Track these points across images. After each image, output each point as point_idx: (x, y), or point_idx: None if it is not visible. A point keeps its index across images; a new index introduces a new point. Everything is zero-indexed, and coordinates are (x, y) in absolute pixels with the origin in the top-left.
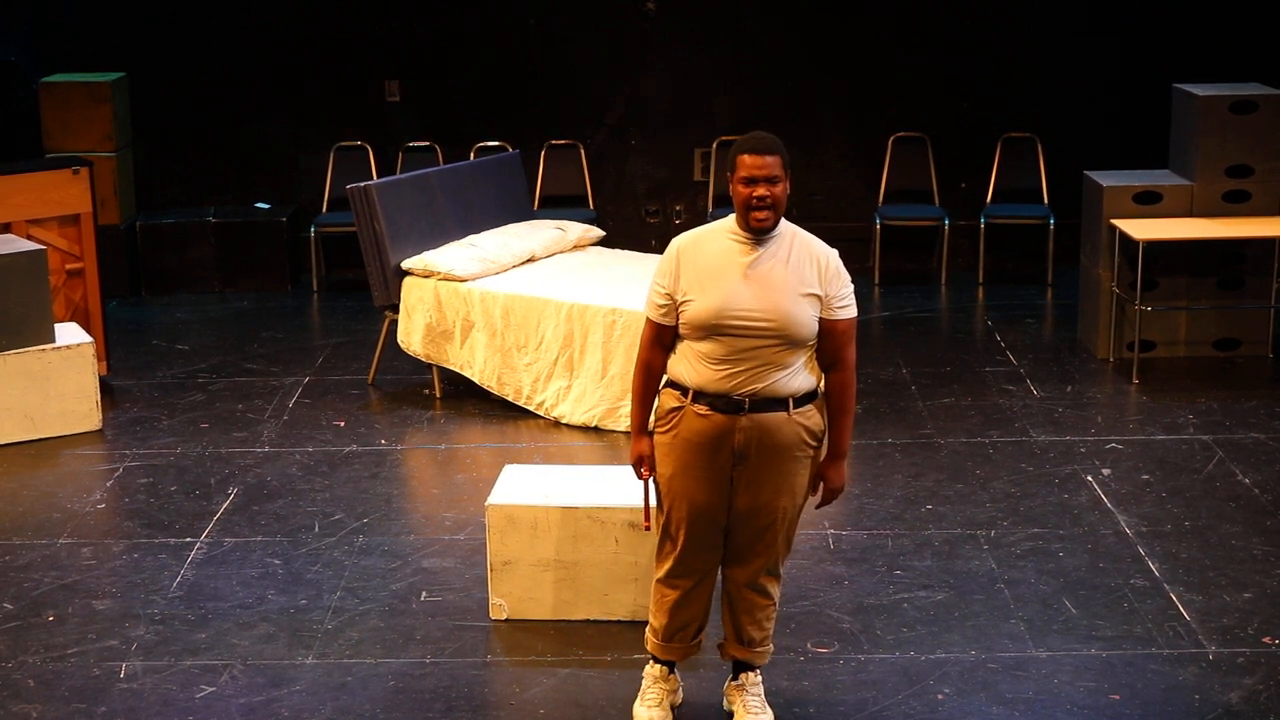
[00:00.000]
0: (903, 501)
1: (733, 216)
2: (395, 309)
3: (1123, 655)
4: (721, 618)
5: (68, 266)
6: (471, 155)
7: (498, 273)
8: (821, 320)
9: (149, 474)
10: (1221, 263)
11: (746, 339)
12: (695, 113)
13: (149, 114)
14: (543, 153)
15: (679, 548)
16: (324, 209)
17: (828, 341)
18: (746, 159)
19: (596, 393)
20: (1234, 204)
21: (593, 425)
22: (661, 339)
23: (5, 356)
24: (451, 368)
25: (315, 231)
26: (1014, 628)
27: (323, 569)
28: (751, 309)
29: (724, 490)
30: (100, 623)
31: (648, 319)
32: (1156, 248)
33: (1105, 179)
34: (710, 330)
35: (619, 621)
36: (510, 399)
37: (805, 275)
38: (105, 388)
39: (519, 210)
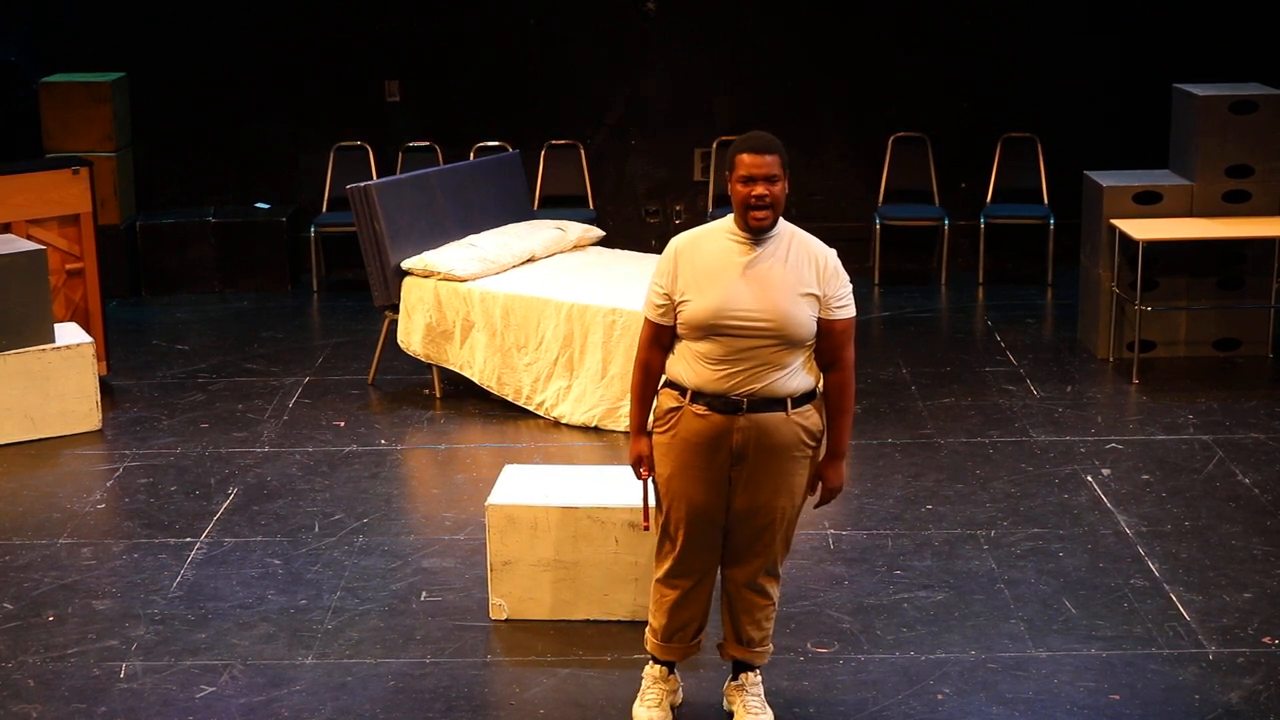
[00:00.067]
0: (903, 501)
1: (731, 216)
2: (395, 309)
3: (1123, 655)
4: (721, 618)
5: (68, 266)
6: (471, 155)
7: (498, 273)
8: (820, 320)
9: (149, 474)
10: (1221, 263)
11: (744, 339)
12: (695, 113)
13: (149, 114)
14: (543, 153)
15: (678, 548)
16: (324, 209)
17: (826, 341)
18: (745, 158)
19: (596, 393)
20: (1234, 204)
21: (593, 425)
22: (660, 339)
23: (5, 356)
24: (451, 368)
25: (315, 231)
26: (1014, 628)
27: (323, 569)
28: (749, 309)
29: (722, 490)
30: (100, 623)
31: (646, 319)
32: (1156, 248)
33: (1105, 179)
34: (708, 330)
35: (619, 621)
36: (510, 399)
37: (803, 275)
38: (105, 388)
39: (519, 210)
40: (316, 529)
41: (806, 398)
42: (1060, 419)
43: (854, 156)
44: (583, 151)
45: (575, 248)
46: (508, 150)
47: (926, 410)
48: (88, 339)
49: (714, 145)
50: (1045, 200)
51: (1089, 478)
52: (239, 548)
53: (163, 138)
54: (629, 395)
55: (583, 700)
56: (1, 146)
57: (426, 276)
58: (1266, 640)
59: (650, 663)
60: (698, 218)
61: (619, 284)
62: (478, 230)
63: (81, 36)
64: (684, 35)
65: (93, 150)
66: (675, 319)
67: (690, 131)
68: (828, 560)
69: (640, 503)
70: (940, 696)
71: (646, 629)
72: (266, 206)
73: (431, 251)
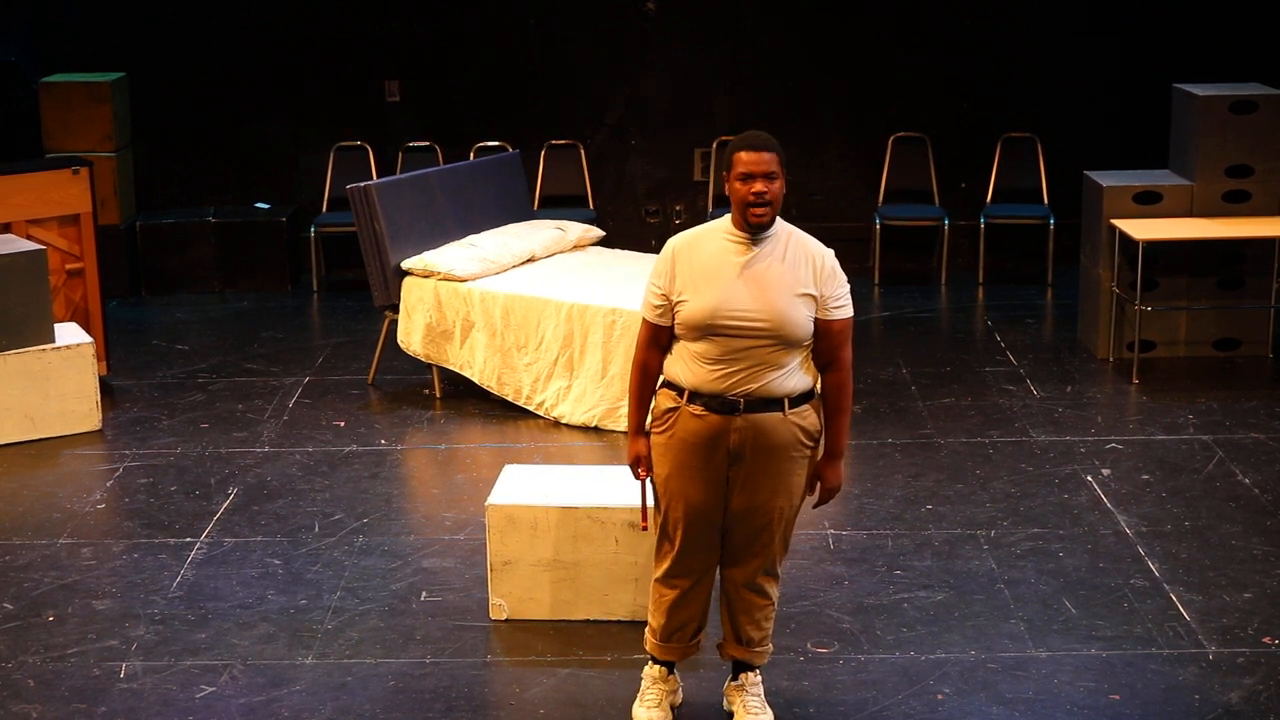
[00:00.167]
0: (903, 501)
1: (728, 216)
2: (395, 309)
3: (1123, 655)
4: (720, 618)
5: (68, 266)
6: (471, 155)
7: (498, 273)
8: (817, 320)
9: (149, 474)
10: (1221, 263)
11: (742, 339)
12: (695, 113)
13: (149, 114)
14: (543, 153)
15: (676, 548)
16: (324, 209)
17: (824, 342)
18: (743, 155)
19: (596, 393)
20: (1234, 204)
21: (593, 425)
22: (658, 339)
23: (5, 356)
24: (451, 368)
25: (315, 231)
26: (1014, 628)
27: (323, 569)
28: (747, 309)
29: (720, 490)
30: (100, 623)
31: (644, 319)
32: (1156, 248)
33: (1105, 179)
34: (705, 330)
35: (619, 621)
36: (510, 399)
37: (801, 275)
38: (105, 388)
39: (519, 210)
40: (316, 529)
41: (804, 398)
42: (1060, 419)
43: (854, 156)
44: (583, 151)
45: (575, 248)
46: (508, 150)
47: (926, 410)
48: (88, 339)
49: (714, 145)
50: (1045, 200)
51: (1089, 478)
52: (239, 548)
53: (163, 138)
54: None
55: (583, 700)
56: (1, 146)
57: (426, 276)
58: (1266, 640)
59: (650, 663)
60: (698, 218)
61: (619, 284)
62: (478, 230)
63: (81, 36)
64: (684, 35)
65: (93, 150)
66: (673, 319)
67: (690, 131)
68: (828, 560)
69: (639, 503)
70: (940, 696)
71: (646, 629)
72: (266, 206)
73: (431, 251)
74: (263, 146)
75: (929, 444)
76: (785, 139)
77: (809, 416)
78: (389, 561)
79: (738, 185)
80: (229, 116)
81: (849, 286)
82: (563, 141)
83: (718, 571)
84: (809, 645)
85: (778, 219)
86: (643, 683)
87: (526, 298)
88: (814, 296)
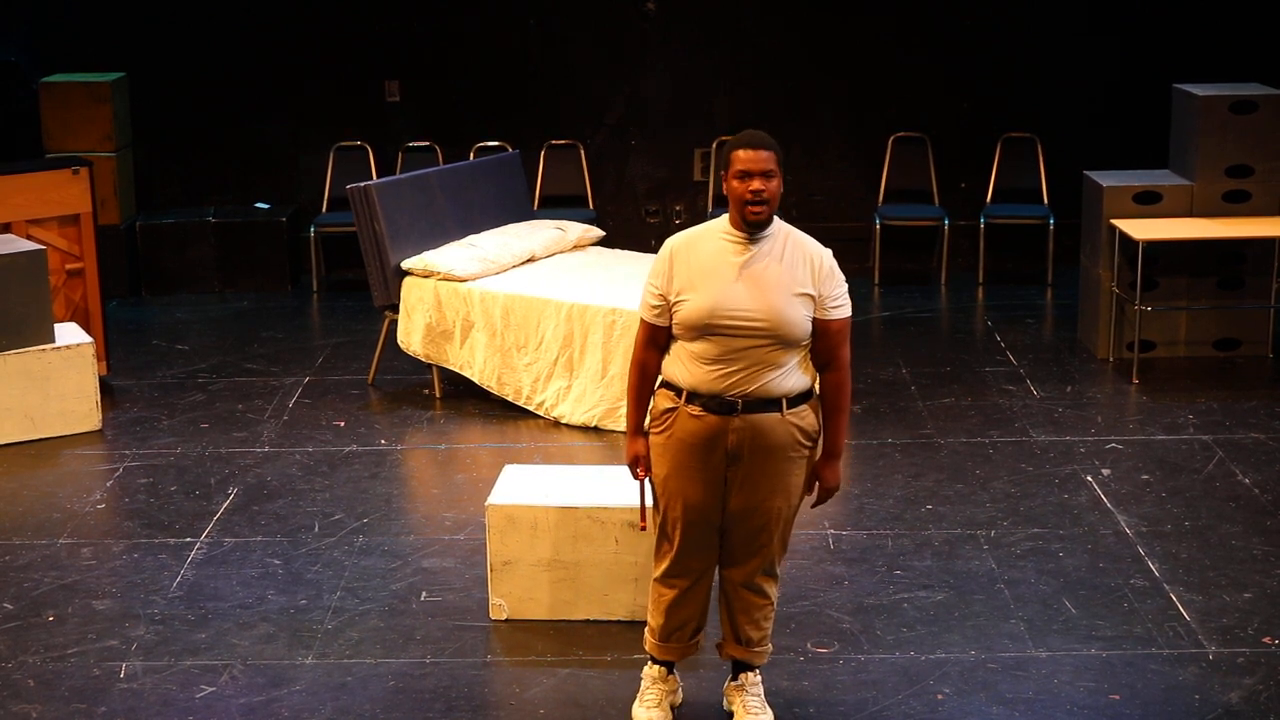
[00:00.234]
0: (903, 501)
1: (726, 217)
2: (395, 309)
3: (1123, 655)
4: (719, 618)
5: (68, 266)
6: (471, 155)
7: (498, 273)
8: (815, 320)
9: (149, 474)
10: (1221, 263)
11: (739, 339)
12: (695, 113)
13: (149, 114)
14: (543, 153)
15: (675, 547)
16: (324, 209)
17: (822, 341)
18: (740, 153)
19: (596, 393)
20: (1234, 204)
21: (592, 425)
22: (656, 339)
23: (5, 356)
24: (451, 368)
25: (315, 231)
26: (1014, 628)
27: (323, 569)
28: (745, 308)
29: (718, 491)
30: (100, 623)
31: (642, 319)
32: (1156, 248)
33: (1105, 179)
34: (703, 330)
35: (619, 621)
36: (510, 399)
37: (799, 275)
38: (105, 388)
39: (519, 210)
40: (316, 529)
41: (802, 398)
42: (1060, 419)
43: (854, 156)
44: (583, 151)
45: (575, 248)
46: (508, 150)
47: (926, 410)
48: (88, 339)
49: (714, 145)
50: (1045, 200)
51: (1089, 478)
52: (239, 548)
53: (163, 138)
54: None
55: (583, 700)
56: (1, 146)
57: (426, 276)
58: (1266, 640)
59: (649, 663)
60: (698, 217)
61: (619, 284)
62: (478, 230)
63: (81, 36)
64: (684, 35)
65: (93, 150)
66: (670, 319)
67: (690, 131)
68: (828, 560)
69: (638, 503)
70: (940, 696)
71: (645, 629)
72: (266, 206)
73: (431, 251)
74: (263, 146)
75: (929, 444)
76: (785, 139)
77: (807, 417)
78: (389, 561)
79: (735, 183)
80: (229, 116)
81: (847, 286)
82: (563, 141)
83: (717, 571)
84: (809, 645)
85: (775, 219)
86: (642, 683)
87: (526, 298)
88: (812, 296)
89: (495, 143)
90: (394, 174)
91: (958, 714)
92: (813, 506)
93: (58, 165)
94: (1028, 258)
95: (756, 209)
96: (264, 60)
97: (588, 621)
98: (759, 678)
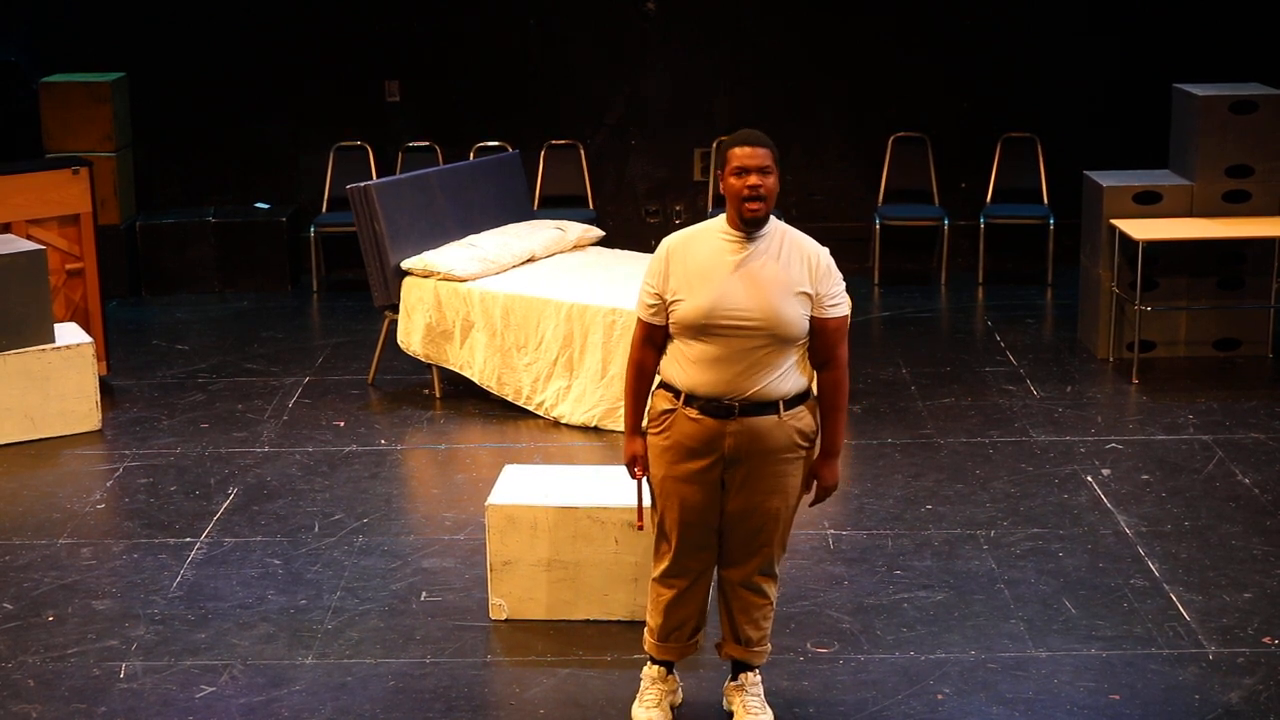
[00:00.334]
0: (903, 501)
1: (723, 216)
2: (395, 309)
3: (1123, 655)
4: (719, 618)
5: (68, 266)
6: (471, 155)
7: (498, 273)
8: (813, 319)
9: (149, 474)
10: (1221, 263)
11: (737, 338)
12: (695, 113)
13: (149, 114)
14: (543, 153)
15: (673, 548)
16: (324, 209)
17: (820, 340)
18: (737, 151)
19: (596, 393)
20: (1234, 204)
21: (592, 425)
22: (653, 339)
23: (5, 356)
24: (451, 368)
25: (315, 231)
26: (1014, 628)
27: (323, 569)
28: (742, 307)
29: (715, 493)
30: (100, 623)
31: (638, 319)
32: (1156, 248)
33: (1105, 179)
34: (700, 329)
35: (618, 621)
36: (510, 399)
37: (796, 273)
38: (105, 388)
39: (519, 210)
40: (316, 529)
41: (799, 399)
42: (1060, 419)
43: (854, 156)
44: (583, 151)
45: (575, 248)
46: (508, 150)
47: (926, 410)
48: (88, 339)
49: (714, 145)
50: (1045, 200)
51: (1089, 478)
52: (239, 548)
53: (163, 138)
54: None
55: (583, 700)
56: (1, 146)
57: (426, 276)
58: (1266, 640)
59: (649, 663)
60: (698, 217)
61: (619, 284)
62: (478, 230)
63: (81, 36)
64: (684, 35)
65: (93, 150)
66: (667, 319)
67: (690, 131)
68: (828, 560)
69: (635, 502)
70: (940, 696)
71: (644, 629)
72: (266, 206)
73: (431, 251)
74: (263, 146)
75: (929, 444)
76: (785, 139)
77: (804, 418)
78: (389, 561)
79: (732, 180)
80: (229, 116)
81: (845, 284)
82: (563, 141)
83: (716, 571)
84: (809, 645)
85: (772, 218)
86: (642, 683)
87: (526, 298)
88: (809, 295)
89: (495, 143)
90: (394, 174)
91: (958, 714)
92: (811, 505)
93: (58, 165)
94: (1028, 258)
95: (754, 206)
96: (264, 60)
97: (587, 621)
98: (759, 678)
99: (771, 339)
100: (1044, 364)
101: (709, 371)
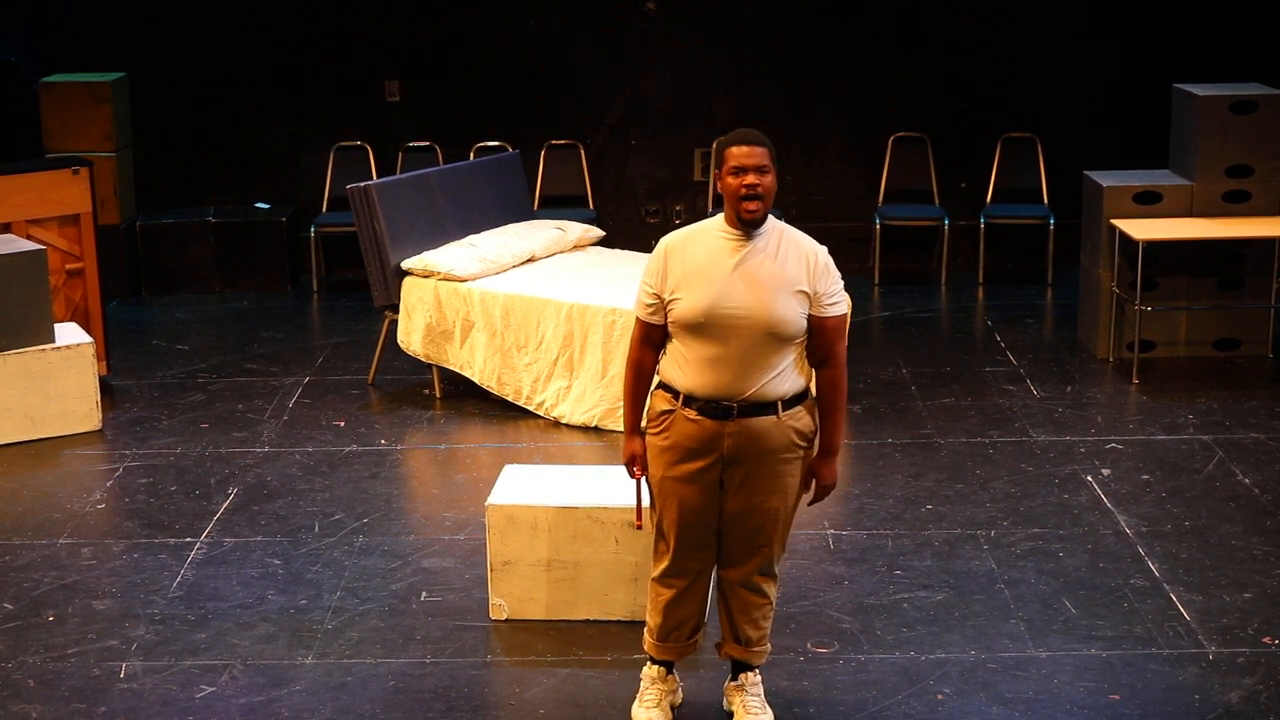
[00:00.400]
0: (903, 501)
1: (721, 215)
2: (395, 309)
3: (1123, 655)
4: (719, 618)
5: (68, 266)
6: (471, 155)
7: (498, 273)
8: (811, 317)
9: (149, 474)
10: (1221, 263)
11: (735, 336)
12: (695, 113)
13: (149, 114)
14: (543, 153)
15: (672, 548)
16: (324, 209)
17: (818, 338)
18: (734, 150)
19: (596, 393)
20: (1234, 204)
21: (593, 425)
22: (651, 338)
23: (5, 356)
24: (451, 368)
25: (315, 231)
26: (1014, 628)
27: (323, 569)
28: (740, 305)
29: (714, 493)
30: (100, 623)
31: (637, 318)
32: (1156, 248)
33: (1105, 179)
34: (699, 328)
35: (619, 621)
36: (510, 399)
37: (794, 272)
38: (105, 388)
39: (519, 210)
40: (316, 529)
41: (797, 399)
42: (1060, 419)
43: (854, 156)
44: (583, 151)
45: (575, 248)
46: (508, 150)
47: (926, 410)
48: (88, 339)
49: (714, 145)
50: (1045, 200)
51: (1089, 478)
52: (239, 548)
53: (163, 138)
54: None
55: (583, 700)
56: (1, 146)
57: (426, 276)
58: (1266, 640)
59: (648, 663)
60: (698, 217)
61: (619, 284)
62: (478, 230)
63: (81, 36)
64: (684, 35)
65: (93, 150)
66: (665, 318)
67: (690, 131)
68: (828, 560)
69: (634, 502)
70: (940, 696)
71: (644, 629)
72: (266, 206)
73: (431, 251)
74: (263, 146)
75: (929, 444)
76: (785, 139)
77: (803, 418)
78: (389, 561)
79: (730, 179)
80: (229, 116)
81: (843, 283)
82: (563, 141)
83: (715, 571)
84: (809, 645)
85: (770, 217)
86: (642, 683)
87: (526, 298)
88: (807, 293)
89: (495, 143)
90: (394, 174)
91: (958, 714)
92: (809, 504)
93: (58, 165)
94: (1028, 258)
95: (751, 207)
96: (264, 60)
97: (587, 621)
98: (759, 678)
99: (770, 336)
100: (1044, 364)
101: (708, 372)
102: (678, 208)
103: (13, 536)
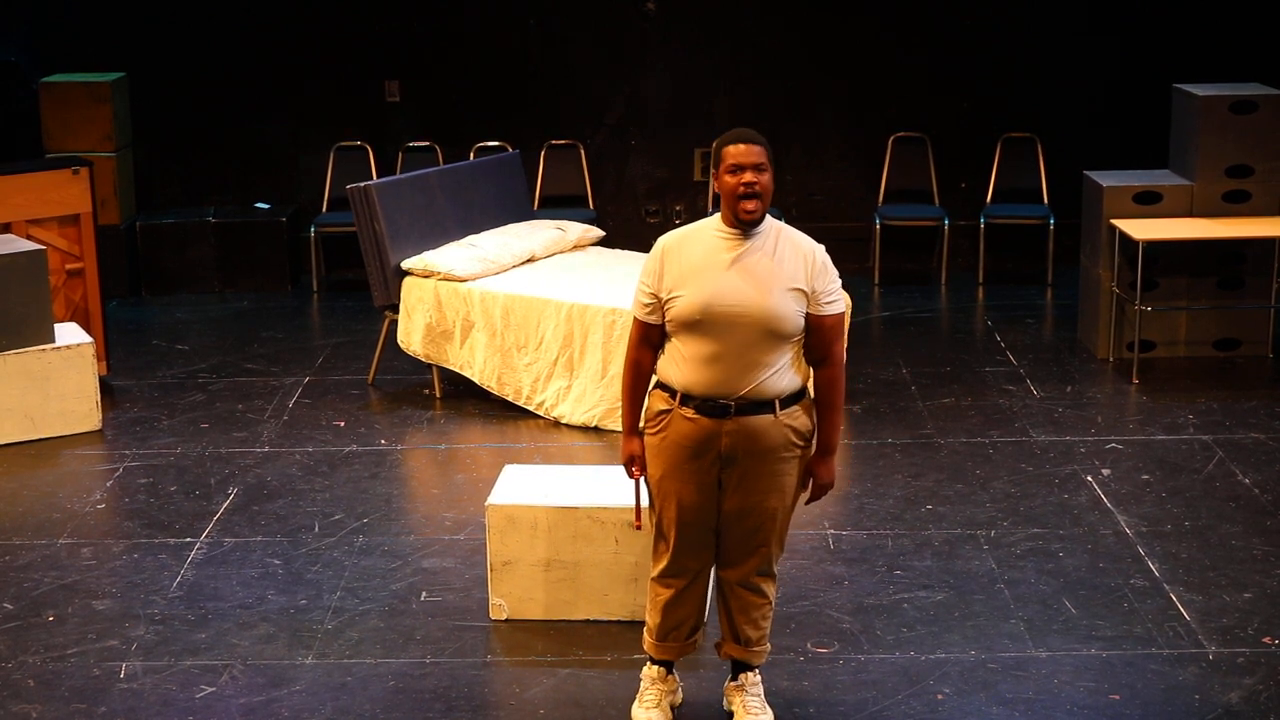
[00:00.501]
0: (903, 501)
1: (718, 215)
2: (395, 309)
3: (1123, 655)
4: (718, 617)
5: (68, 266)
6: (471, 155)
7: (498, 273)
8: (809, 315)
9: (149, 474)
10: (1221, 263)
11: (732, 334)
12: (695, 113)
13: (149, 114)
14: (543, 153)
15: (671, 548)
16: (324, 209)
17: (816, 337)
18: (731, 149)
19: (596, 393)
20: (1234, 204)
21: (592, 425)
22: (649, 337)
23: (5, 356)
24: (451, 368)
25: (315, 231)
26: (1014, 628)
27: (323, 569)
28: (737, 301)
29: (712, 492)
30: (100, 623)
31: (635, 318)
32: (1156, 248)
33: (1105, 179)
34: (696, 326)
35: (618, 621)
36: (510, 399)
37: (792, 270)
38: (105, 388)
39: (519, 210)
40: (316, 529)
41: (795, 398)
42: (1060, 419)
43: (854, 156)
44: (583, 151)
45: (575, 248)
46: (508, 150)
47: (926, 410)
48: (88, 339)
49: (713, 145)
50: (1045, 200)
51: (1089, 478)
52: (239, 548)
53: (163, 138)
54: None
55: (583, 700)
56: (1, 146)
57: (426, 276)
58: (1266, 640)
59: (648, 663)
60: (697, 217)
61: (619, 284)
62: (478, 230)
63: (81, 36)
64: (684, 35)
65: (93, 150)
66: (663, 317)
67: (690, 131)
68: (828, 560)
69: (633, 502)
70: (940, 696)
71: (643, 629)
72: (266, 206)
73: (431, 251)
74: (263, 146)
75: (929, 444)
76: (785, 139)
77: (800, 418)
78: (389, 561)
79: (727, 178)
80: (229, 116)
81: (841, 282)
82: (563, 141)
83: (714, 571)
84: (809, 645)
85: (768, 216)
86: (642, 683)
87: (526, 298)
88: (805, 292)
89: (495, 143)
90: (394, 174)
91: (958, 714)
92: (807, 503)
93: (58, 165)
94: (1028, 258)
95: (749, 206)
96: (264, 60)
97: (587, 621)
98: (759, 677)
99: (767, 334)
100: (1044, 364)
101: (705, 370)
102: (678, 208)
103: (13, 536)
